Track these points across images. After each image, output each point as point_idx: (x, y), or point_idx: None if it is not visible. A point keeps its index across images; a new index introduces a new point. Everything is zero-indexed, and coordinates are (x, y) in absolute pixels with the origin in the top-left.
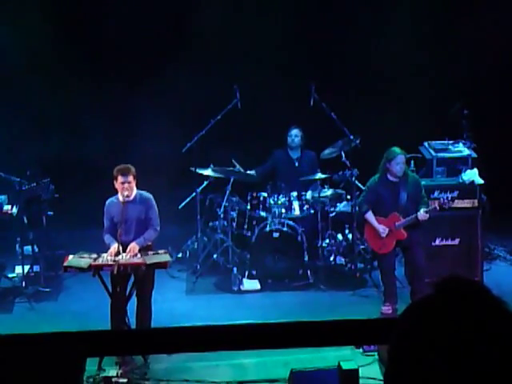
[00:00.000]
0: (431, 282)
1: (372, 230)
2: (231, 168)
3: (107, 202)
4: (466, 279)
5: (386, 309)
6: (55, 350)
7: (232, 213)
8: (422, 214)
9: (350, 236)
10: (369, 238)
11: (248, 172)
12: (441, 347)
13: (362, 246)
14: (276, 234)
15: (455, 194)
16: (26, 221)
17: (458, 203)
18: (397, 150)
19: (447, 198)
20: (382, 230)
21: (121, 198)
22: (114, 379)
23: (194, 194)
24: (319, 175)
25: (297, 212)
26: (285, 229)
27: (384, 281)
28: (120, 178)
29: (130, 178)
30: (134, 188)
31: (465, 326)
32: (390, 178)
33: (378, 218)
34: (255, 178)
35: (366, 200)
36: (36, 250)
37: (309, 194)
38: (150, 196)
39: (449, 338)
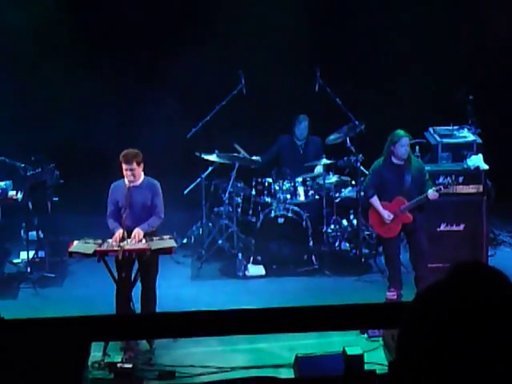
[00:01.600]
0: (436, 267)
1: (377, 214)
2: (236, 154)
3: (112, 186)
4: (481, 263)
5: (391, 294)
6: (60, 334)
7: (237, 198)
8: (432, 193)
9: (354, 222)
10: (374, 223)
11: (253, 158)
12: (454, 332)
13: (367, 232)
14: (281, 220)
15: (460, 179)
16: (30, 206)
17: (463, 189)
18: (401, 132)
19: (453, 181)
20: (387, 215)
21: (126, 183)
22: (118, 365)
23: (199, 179)
24: (324, 161)
25: (302, 198)
26: (290, 214)
27: (389, 266)
28: (124, 165)
29: (134, 166)
30: (141, 174)
31: (479, 312)
32: (395, 160)
33: (382, 203)
34: (260, 163)
35: (372, 184)
36: (41, 235)
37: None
38: (157, 183)
39: (462, 323)
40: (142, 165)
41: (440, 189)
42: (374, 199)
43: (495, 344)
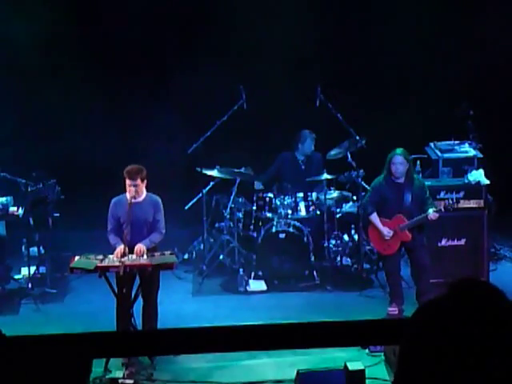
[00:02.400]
0: (437, 282)
1: (376, 231)
2: (237, 169)
3: (113, 201)
4: (479, 281)
5: (392, 310)
6: (62, 351)
7: (238, 214)
8: (432, 213)
9: (356, 237)
10: (373, 239)
11: (255, 182)
12: (453, 348)
13: (368, 247)
14: (282, 235)
15: (461, 194)
16: (31, 222)
17: (464, 203)
18: (397, 150)
19: (452, 199)
20: (387, 232)
21: (128, 199)
22: (120, 381)
23: (200, 194)
24: (325, 176)
25: (303, 213)
26: (291, 230)
27: (389, 282)
28: (128, 181)
29: (138, 181)
30: (144, 190)
31: (477, 328)
32: (394, 178)
33: (382, 220)
34: (262, 181)
35: (371, 201)
36: (42, 251)
37: (314, 195)
38: (159, 199)
39: (461, 339)
40: (145, 181)
41: (441, 210)
42: (373, 216)
43: (495, 359)
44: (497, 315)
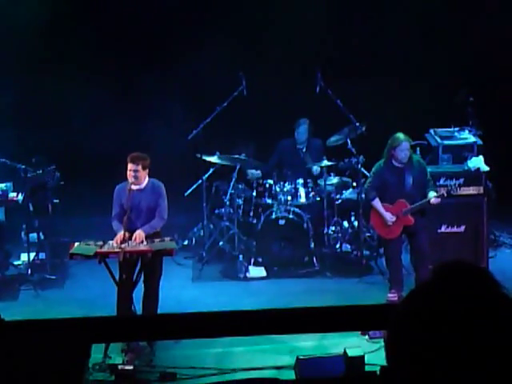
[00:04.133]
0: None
1: (378, 216)
2: (237, 156)
3: (117, 188)
4: (467, 263)
5: (392, 296)
6: (61, 335)
7: (238, 200)
8: (434, 198)
9: (355, 223)
10: (375, 224)
11: (256, 171)
12: (440, 332)
13: (368, 234)
14: (282, 222)
15: (461, 181)
16: (31, 208)
17: (464, 190)
18: (401, 136)
19: (455, 184)
20: (390, 217)
21: (129, 185)
22: (119, 366)
23: (200, 181)
24: (325, 163)
25: (303, 199)
26: (291, 216)
27: (390, 267)
28: (129, 165)
29: (139, 167)
30: (146, 177)
31: (464, 311)
32: (396, 163)
33: (384, 205)
34: (266, 169)
35: (373, 186)
36: (42, 237)
37: (315, 169)
38: (162, 185)
39: (448, 323)
40: (147, 170)
41: (443, 194)
42: (375, 201)
43: (483, 343)
44: (482, 297)
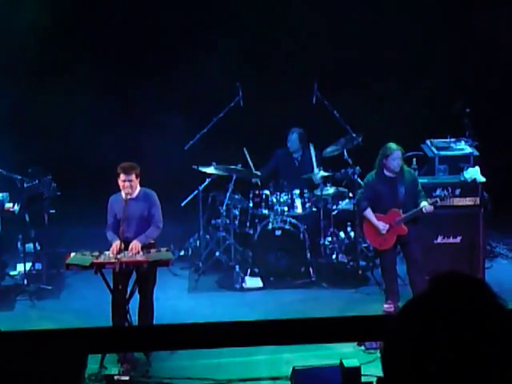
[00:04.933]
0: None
1: (371, 226)
2: (233, 166)
3: (111, 199)
4: (462, 274)
5: (388, 307)
6: (57, 346)
7: (234, 211)
8: (428, 206)
9: (352, 234)
10: (368, 235)
11: (254, 172)
12: (437, 344)
13: (365, 244)
14: (278, 232)
15: (457, 191)
16: (27, 218)
17: (460, 201)
18: (393, 145)
19: (448, 190)
20: (382, 226)
21: (123, 196)
22: (115, 377)
23: (196, 191)
24: (321, 173)
25: (299, 210)
26: (287, 226)
27: (385, 278)
28: (122, 176)
29: (132, 177)
30: (138, 186)
31: (460, 322)
32: (387, 173)
33: (377, 215)
34: (260, 176)
35: (365, 197)
36: (38, 247)
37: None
38: (153, 193)
39: (445, 334)
40: (139, 178)
41: (436, 201)
42: (367, 212)
43: (480, 354)
44: (478, 308)
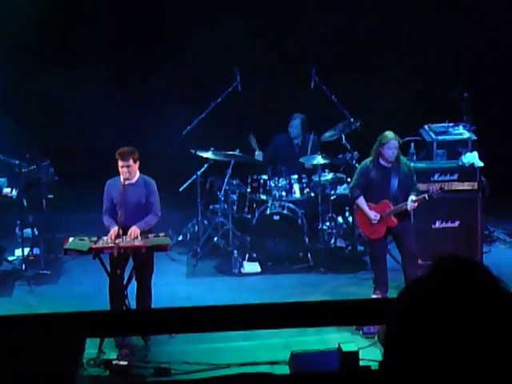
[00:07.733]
0: (427, 264)
1: (363, 215)
2: (231, 151)
3: (108, 183)
4: (464, 257)
5: (376, 297)
6: (55, 330)
7: (232, 196)
8: (410, 204)
9: (350, 219)
10: (360, 223)
11: (255, 158)
12: (439, 325)
13: None
14: (276, 217)
15: (455, 176)
16: (25, 203)
17: (458, 186)
18: (390, 134)
19: (437, 185)
20: (374, 216)
21: (122, 181)
22: (114, 362)
23: (194, 176)
24: (318, 159)
25: (297, 195)
26: (285, 212)
27: (375, 268)
28: (119, 162)
29: (130, 162)
30: (137, 171)
31: (462, 304)
32: (382, 162)
33: (368, 204)
34: (260, 162)
35: (358, 185)
36: (36, 232)
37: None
38: (153, 181)
39: (446, 316)
40: (138, 162)
41: (424, 197)
42: (359, 200)
43: (484, 337)
44: (481, 291)
